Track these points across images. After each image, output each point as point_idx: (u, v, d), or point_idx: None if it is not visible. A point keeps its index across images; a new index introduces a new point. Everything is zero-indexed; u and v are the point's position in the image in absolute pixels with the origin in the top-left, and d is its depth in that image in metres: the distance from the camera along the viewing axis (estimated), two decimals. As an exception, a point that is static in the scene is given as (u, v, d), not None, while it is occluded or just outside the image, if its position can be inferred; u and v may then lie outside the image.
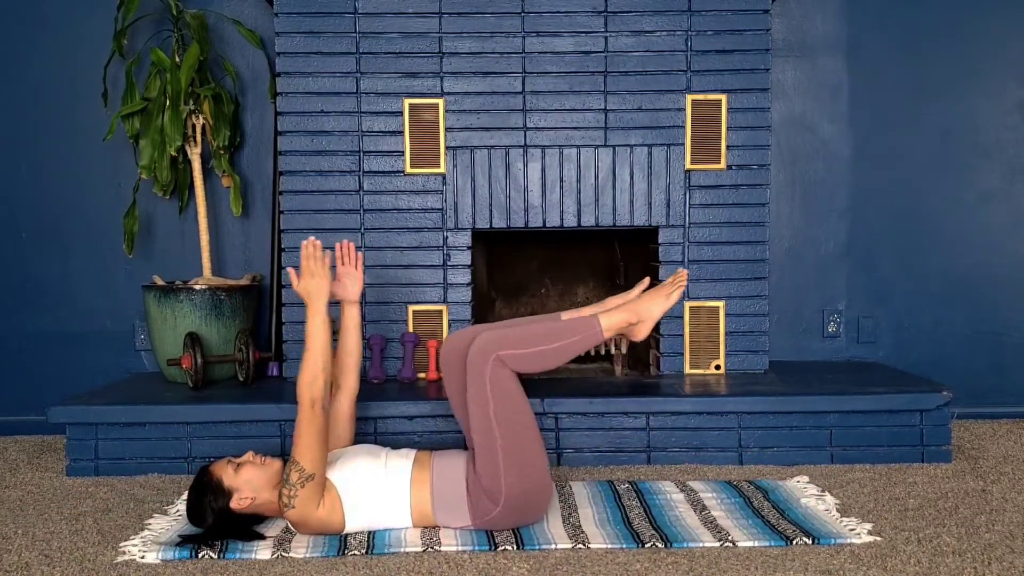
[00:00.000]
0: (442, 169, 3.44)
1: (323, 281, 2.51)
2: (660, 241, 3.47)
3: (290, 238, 3.46)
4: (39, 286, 3.81)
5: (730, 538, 2.36)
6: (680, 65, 3.43)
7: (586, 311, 2.67)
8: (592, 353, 3.62)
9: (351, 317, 2.77)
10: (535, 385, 3.33)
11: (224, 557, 2.28)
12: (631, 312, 2.55)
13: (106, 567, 2.25)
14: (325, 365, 2.40)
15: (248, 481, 2.39)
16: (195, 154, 3.58)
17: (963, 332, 3.89)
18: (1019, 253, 3.88)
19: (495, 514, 2.40)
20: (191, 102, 3.49)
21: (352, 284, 2.75)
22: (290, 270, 2.56)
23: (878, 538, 2.37)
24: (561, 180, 3.45)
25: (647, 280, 2.72)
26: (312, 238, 2.53)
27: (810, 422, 3.13)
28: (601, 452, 3.12)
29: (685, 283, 2.61)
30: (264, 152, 3.79)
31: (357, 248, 3.29)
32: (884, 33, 3.82)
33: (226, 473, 2.40)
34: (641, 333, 2.58)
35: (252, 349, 3.38)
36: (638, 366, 3.74)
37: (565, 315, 2.68)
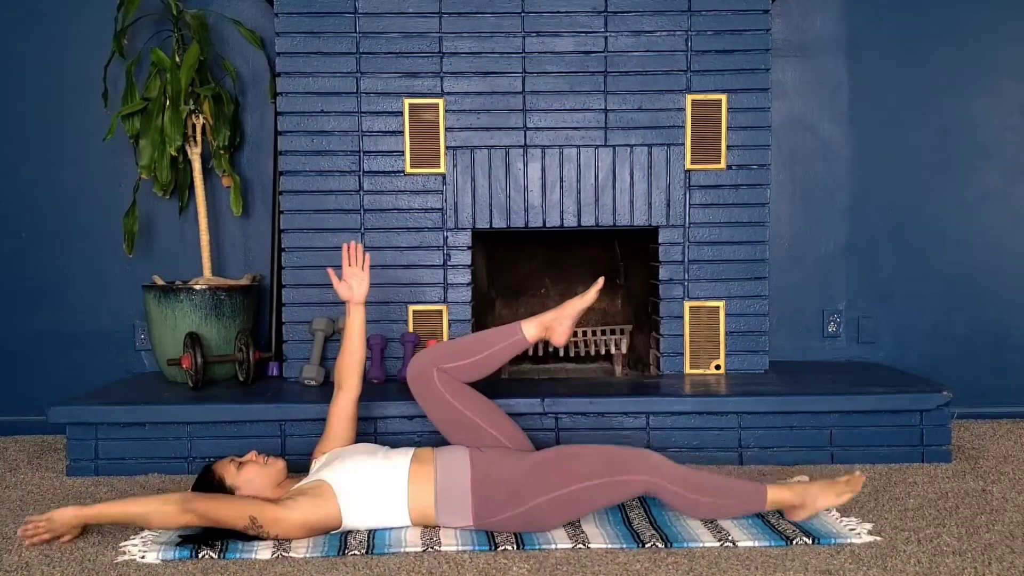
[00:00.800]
0: (442, 169, 3.44)
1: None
2: (660, 241, 3.47)
3: (290, 238, 3.46)
4: (39, 286, 3.81)
5: (730, 538, 2.36)
6: (680, 65, 3.43)
7: (548, 315, 2.70)
8: (592, 353, 3.63)
9: (356, 317, 2.77)
10: (535, 385, 3.34)
11: (224, 557, 2.28)
12: (799, 495, 2.45)
13: (106, 567, 2.25)
14: (143, 513, 2.34)
15: (250, 480, 2.39)
16: (195, 154, 3.58)
17: (963, 332, 3.89)
18: (1019, 253, 3.88)
19: (503, 517, 2.38)
20: (191, 102, 3.49)
21: (358, 285, 2.77)
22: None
23: (878, 538, 2.37)
24: (561, 180, 3.45)
25: (601, 280, 2.74)
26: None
27: (810, 422, 3.13)
28: (601, 452, 3.12)
29: (860, 489, 2.49)
30: (264, 152, 3.79)
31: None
32: (884, 33, 3.82)
33: (228, 472, 2.40)
34: (798, 517, 2.48)
35: (252, 349, 3.38)
36: (638, 366, 3.74)
37: (525, 323, 2.71)
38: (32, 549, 2.37)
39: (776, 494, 2.45)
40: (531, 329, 2.68)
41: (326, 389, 3.27)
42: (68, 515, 2.37)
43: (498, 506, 2.38)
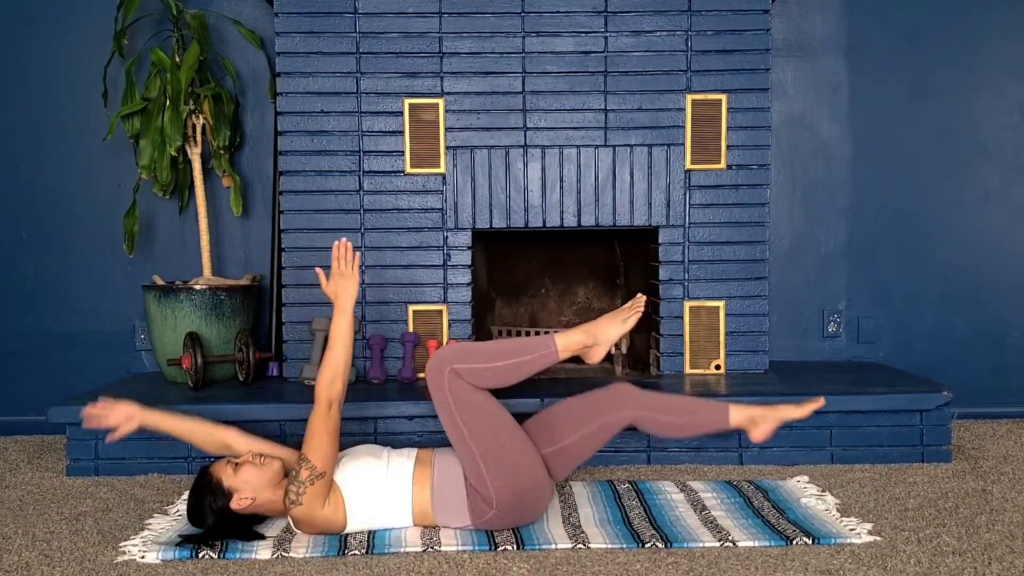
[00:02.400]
0: (442, 169, 3.44)
1: (351, 282, 2.54)
2: (660, 241, 3.47)
3: (290, 238, 3.46)
4: (39, 286, 3.81)
5: (730, 538, 2.36)
6: (680, 65, 3.43)
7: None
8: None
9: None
10: (535, 385, 3.33)
11: (224, 557, 2.28)
12: (588, 334, 2.56)
13: (106, 567, 2.25)
14: (346, 366, 2.44)
15: (247, 481, 2.39)
16: (195, 154, 3.58)
17: (963, 332, 3.89)
18: (1019, 253, 3.88)
19: (491, 516, 2.40)
20: (191, 102, 3.49)
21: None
22: (318, 270, 2.61)
23: (878, 538, 2.37)
24: (561, 180, 3.45)
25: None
26: (344, 239, 2.58)
27: (810, 422, 3.11)
28: (601, 452, 3.12)
29: (642, 309, 2.62)
30: (264, 152, 3.79)
31: (356, 248, 3.29)
32: (884, 33, 3.82)
33: (225, 473, 2.40)
34: (596, 356, 2.59)
35: (252, 349, 3.38)
36: (638, 366, 3.74)
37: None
38: (32, 549, 2.37)
39: (565, 340, 2.54)
40: (567, 349, 2.55)
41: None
42: (352, 290, 2.50)
43: (482, 508, 2.39)
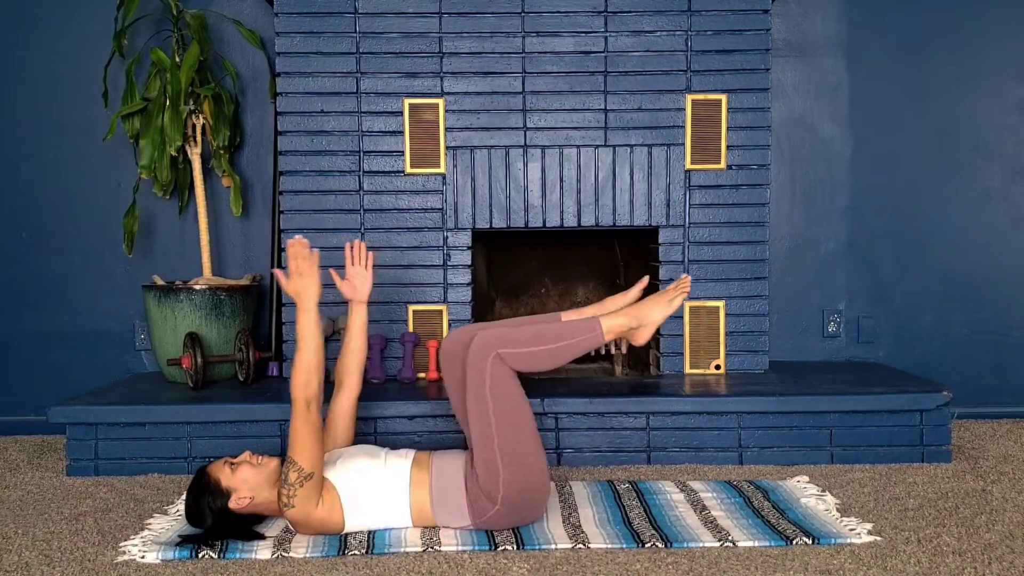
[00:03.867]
0: (442, 169, 3.44)
1: (311, 280, 2.48)
2: (660, 241, 3.47)
3: (290, 238, 3.45)
4: (39, 286, 3.81)
5: (730, 538, 2.36)
6: (680, 65, 3.43)
7: (587, 312, 2.68)
8: (592, 353, 3.62)
9: (358, 317, 2.77)
10: (535, 385, 3.33)
11: (224, 557, 2.28)
12: (632, 316, 2.54)
13: (106, 567, 2.25)
14: (318, 365, 2.40)
15: (245, 481, 2.39)
16: (195, 154, 3.58)
17: (963, 332, 3.89)
18: (1019, 253, 3.88)
19: (493, 513, 2.40)
20: (191, 102, 3.49)
21: (361, 284, 2.76)
22: (277, 272, 2.54)
23: (878, 538, 2.37)
24: (561, 180, 3.45)
25: (646, 279, 2.72)
26: (299, 236, 2.50)
27: (810, 422, 3.13)
28: (601, 452, 3.12)
29: (688, 289, 2.60)
30: (264, 152, 3.79)
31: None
32: (884, 33, 3.82)
33: (223, 473, 2.39)
34: (642, 338, 2.57)
35: (252, 349, 3.38)
36: (638, 366, 3.74)
37: (566, 315, 2.68)
38: (32, 549, 2.37)
39: (610, 322, 2.50)
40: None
41: (326, 389, 3.26)
42: (313, 288, 2.45)
43: (484, 505, 2.39)
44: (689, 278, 2.62)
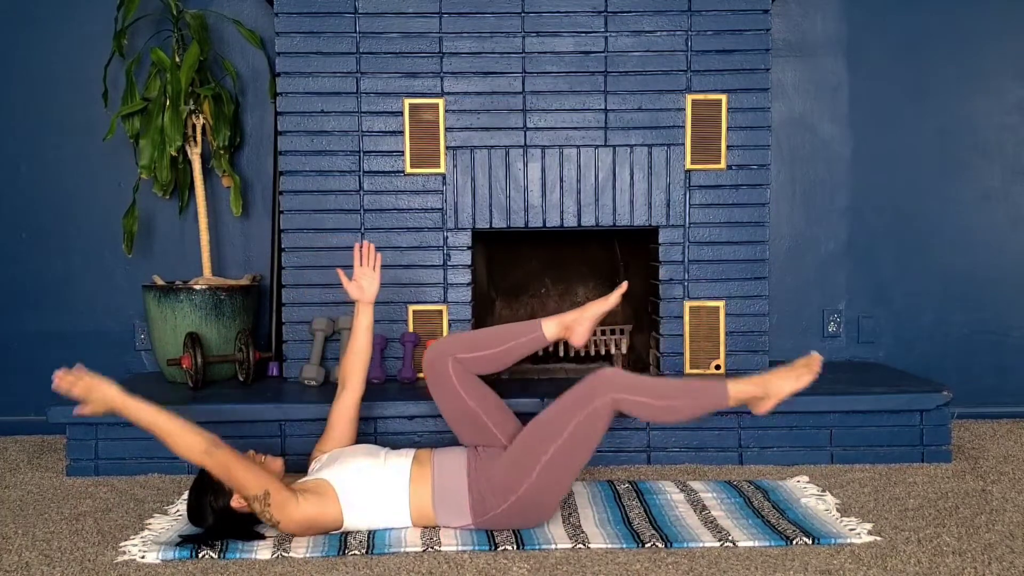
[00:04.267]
0: (442, 169, 3.44)
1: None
2: (660, 241, 3.47)
3: (290, 238, 3.46)
4: (39, 286, 3.81)
5: (730, 538, 2.36)
6: (680, 65, 3.43)
7: (568, 317, 2.67)
8: (592, 353, 3.62)
9: (364, 317, 2.77)
10: (535, 385, 3.34)
11: (224, 557, 2.29)
12: (761, 386, 2.48)
13: (106, 567, 2.25)
14: (172, 427, 2.33)
15: (247, 480, 2.39)
16: (195, 154, 3.58)
17: (963, 332, 3.89)
18: (1019, 253, 3.88)
19: (497, 512, 2.39)
20: (191, 102, 3.49)
21: (368, 285, 2.76)
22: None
23: (878, 538, 2.37)
24: (561, 180, 3.45)
25: (625, 284, 2.73)
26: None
27: (810, 422, 3.13)
28: (601, 452, 3.12)
29: (818, 369, 2.50)
30: (264, 152, 3.79)
31: (347, 248, 3.31)
32: (884, 33, 3.82)
33: (226, 473, 2.39)
34: (763, 408, 2.50)
35: (252, 349, 3.38)
36: (638, 366, 3.74)
37: (546, 322, 2.68)
38: (32, 549, 2.37)
39: (738, 387, 2.46)
40: (551, 327, 2.65)
41: (326, 389, 3.27)
42: (111, 392, 2.36)
43: (494, 501, 2.39)
44: (820, 358, 2.52)
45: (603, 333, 3.59)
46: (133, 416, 2.37)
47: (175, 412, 2.38)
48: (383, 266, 3.43)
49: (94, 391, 2.38)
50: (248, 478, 2.30)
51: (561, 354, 3.74)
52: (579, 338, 2.67)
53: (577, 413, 2.38)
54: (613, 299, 2.69)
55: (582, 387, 2.42)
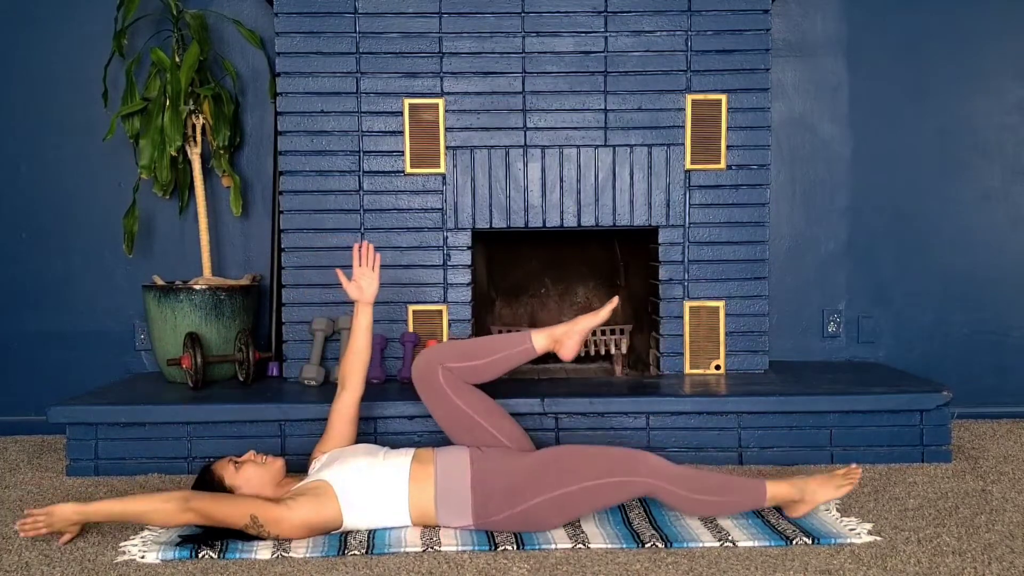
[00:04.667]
0: (442, 169, 3.44)
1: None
2: (660, 241, 3.47)
3: (290, 238, 3.46)
4: (39, 286, 3.81)
5: (730, 538, 2.36)
6: (680, 65, 3.43)
7: (559, 330, 2.68)
8: (592, 353, 3.62)
9: (364, 317, 2.77)
10: (535, 385, 3.34)
11: (224, 557, 2.28)
12: (799, 490, 2.47)
13: (106, 567, 2.25)
14: (142, 511, 2.32)
15: (248, 480, 2.39)
16: (195, 154, 3.58)
17: (963, 332, 3.89)
18: (1019, 253, 3.88)
19: (501, 517, 2.38)
20: (191, 102, 3.49)
21: (368, 285, 2.77)
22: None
23: (878, 538, 2.37)
24: (561, 180, 3.45)
25: (616, 300, 2.74)
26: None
27: (810, 422, 3.13)
28: (601, 452, 3.12)
29: (857, 481, 2.49)
30: (264, 152, 3.79)
31: (347, 248, 3.32)
32: (884, 33, 3.82)
33: (227, 472, 2.40)
34: (798, 513, 2.49)
35: (252, 349, 3.38)
36: (638, 366, 3.74)
37: (535, 334, 2.69)
38: (32, 549, 2.37)
39: (775, 489, 2.45)
40: (540, 340, 2.67)
41: (326, 389, 3.27)
42: (67, 511, 2.34)
43: (497, 505, 2.38)
44: (860, 470, 2.51)
45: (603, 333, 3.59)
46: (102, 517, 2.36)
47: (130, 496, 2.38)
48: (383, 266, 3.43)
49: (55, 517, 2.34)
50: (230, 513, 2.30)
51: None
52: (568, 351, 2.70)
53: (615, 473, 2.38)
54: (603, 314, 2.70)
55: (628, 458, 2.41)
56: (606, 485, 2.38)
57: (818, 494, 2.47)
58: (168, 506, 2.30)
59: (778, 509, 2.55)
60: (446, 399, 2.61)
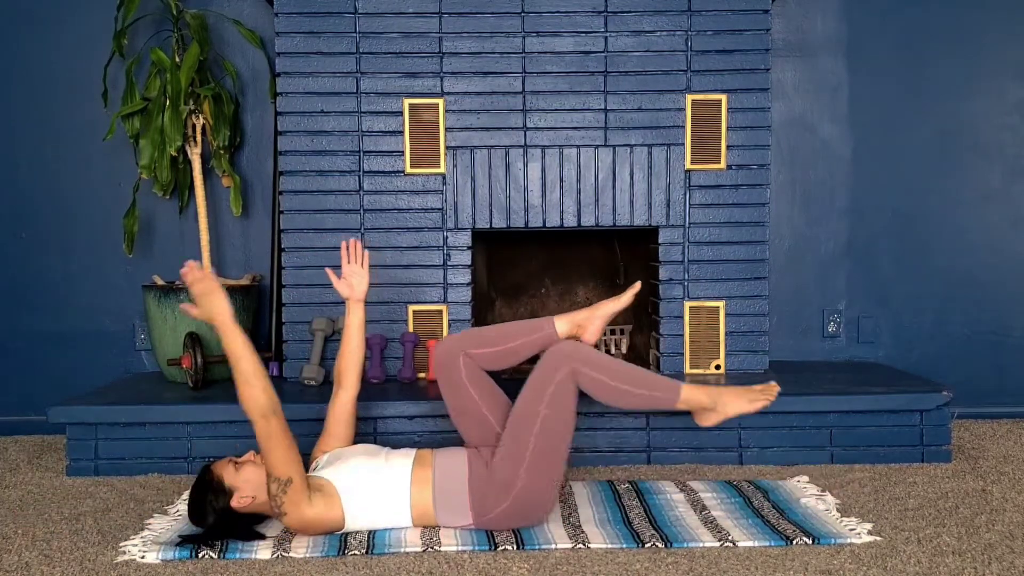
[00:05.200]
0: (442, 169, 3.44)
1: (217, 297, 2.37)
2: (660, 241, 3.47)
3: (290, 238, 3.46)
4: (39, 286, 3.81)
5: (730, 538, 2.36)
6: (680, 65, 3.43)
7: (580, 315, 2.67)
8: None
9: (355, 315, 2.76)
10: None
11: (224, 557, 2.28)
12: (713, 398, 2.52)
13: (106, 567, 2.25)
14: (256, 375, 2.32)
15: (248, 480, 2.39)
16: (195, 154, 3.58)
17: (963, 332, 3.89)
18: (1019, 253, 3.88)
19: (498, 512, 2.39)
20: (191, 102, 3.49)
21: (358, 283, 2.75)
22: (185, 307, 2.41)
23: (878, 538, 2.37)
24: (561, 180, 3.45)
25: (638, 284, 2.73)
26: (189, 262, 2.41)
27: (810, 422, 3.13)
28: (601, 452, 3.12)
29: (774, 398, 2.55)
30: (264, 152, 3.79)
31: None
32: (884, 33, 3.82)
33: (227, 472, 2.40)
34: (709, 421, 2.54)
35: (252, 349, 3.38)
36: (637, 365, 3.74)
37: (559, 320, 2.66)
38: (32, 549, 2.37)
39: (690, 392, 2.49)
40: (563, 325, 2.64)
41: (326, 389, 3.26)
42: (222, 307, 2.34)
43: (494, 499, 2.39)
44: (778, 388, 2.56)
45: (603, 333, 3.58)
46: (227, 339, 2.34)
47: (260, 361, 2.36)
48: (383, 266, 3.44)
49: (210, 297, 2.36)
50: (282, 459, 2.31)
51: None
52: (591, 336, 2.67)
53: (544, 393, 2.41)
54: (626, 299, 2.69)
55: (543, 364, 2.45)
56: (548, 407, 2.39)
57: (730, 406, 2.51)
58: (262, 398, 2.30)
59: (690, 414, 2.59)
60: (463, 389, 2.57)
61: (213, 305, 2.37)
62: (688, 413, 2.63)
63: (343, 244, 2.78)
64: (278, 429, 2.32)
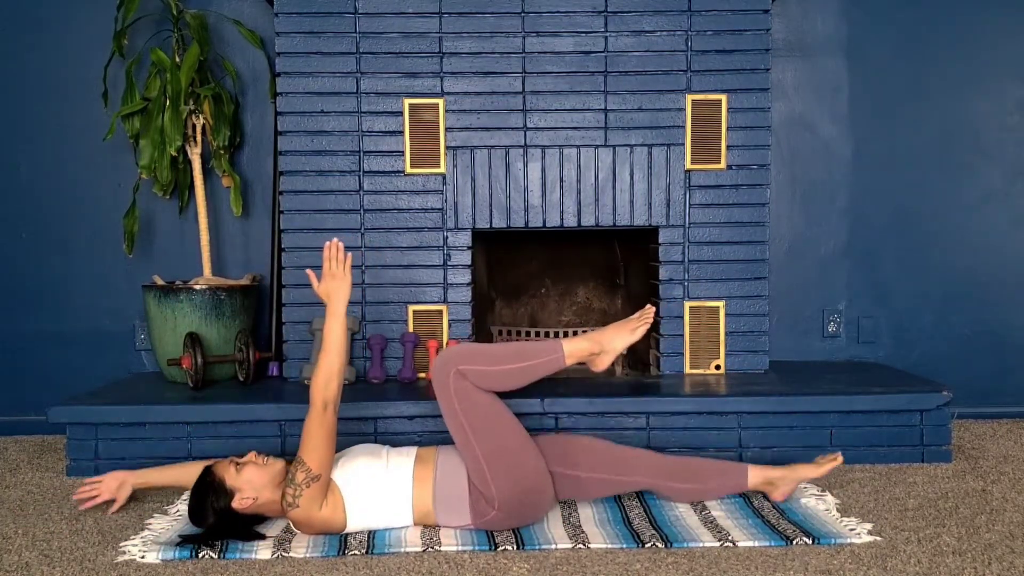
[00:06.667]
0: (442, 169, 3.44)
1: (343, 283, 2.50)
2: (660, 241, 3.47)
3: (290, 238, 3.46)
4: (39, 286, 3.81)
5: (730, 538, 2.36)
6: (680, 65, 3.43)
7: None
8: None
9: (337, 326, 2.50)
10: (535, 385, 3.33)
11: (224, 557, 2.29)
12: (594, 342, 2.56)
13: (106, 567, 2.25)
14: (341, 368, 2.42)
15: (249, 481, 2.39)
16: (195, 154, 3.58)
17: (963, 332, 3.89)
18: (1019, 253, 3.88)
19: (492, 516, 2.40)
20: (191, 102, 3.49)
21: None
22: (309, 272, 2.58)
23: (878, 538, 2.37)
24: (561, 180, 3.45)
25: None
26: (335, 239, 2.54)
27: (810, 422, 3.13)
28: (601, 452, 3.12)
29: (651, 320, 2.62)
30: (264, 152, 3.79)
31: (355, 248, 3.30)
32: (884, 33, 3.82)
33: (228, 473, 2.40)
34: (602, 364, 2.58)
35: (252, 349, 3.38)
36: (638, 366, 3.74)
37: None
38: (32, 549, 2.37)
39: (572, 346, 2.53)
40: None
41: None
42: (343, 293, 2.45)
43: (487, 506, 2.39)
44: (653, 309, 2.64)
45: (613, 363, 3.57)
46: (333, 326, 2.44)
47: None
48: (383, 266, 3.44)
49: (338, 282, 2.48)
50: (323, 454, 2.33)
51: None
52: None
53: (452, 403, 2.44)
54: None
55: (433, 378, 2.47)
56: (465, 417, 2.42)
57: (616, 340, 2.55)
58: (336, 390, 2.38)
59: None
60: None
61: (337, 290, 2.47)
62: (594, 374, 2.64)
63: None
64: (331, 424, 2.36)
